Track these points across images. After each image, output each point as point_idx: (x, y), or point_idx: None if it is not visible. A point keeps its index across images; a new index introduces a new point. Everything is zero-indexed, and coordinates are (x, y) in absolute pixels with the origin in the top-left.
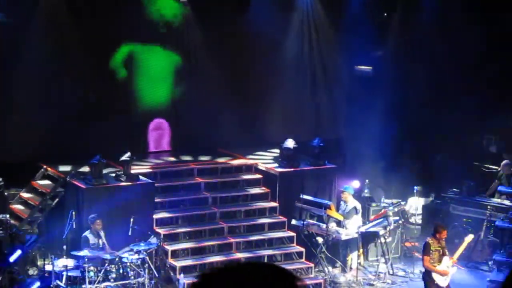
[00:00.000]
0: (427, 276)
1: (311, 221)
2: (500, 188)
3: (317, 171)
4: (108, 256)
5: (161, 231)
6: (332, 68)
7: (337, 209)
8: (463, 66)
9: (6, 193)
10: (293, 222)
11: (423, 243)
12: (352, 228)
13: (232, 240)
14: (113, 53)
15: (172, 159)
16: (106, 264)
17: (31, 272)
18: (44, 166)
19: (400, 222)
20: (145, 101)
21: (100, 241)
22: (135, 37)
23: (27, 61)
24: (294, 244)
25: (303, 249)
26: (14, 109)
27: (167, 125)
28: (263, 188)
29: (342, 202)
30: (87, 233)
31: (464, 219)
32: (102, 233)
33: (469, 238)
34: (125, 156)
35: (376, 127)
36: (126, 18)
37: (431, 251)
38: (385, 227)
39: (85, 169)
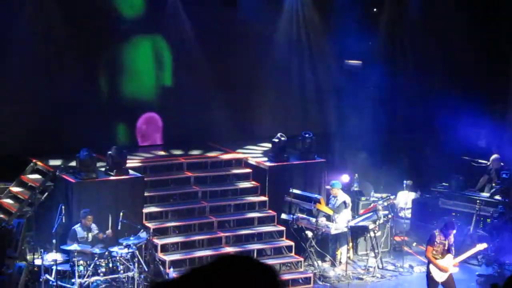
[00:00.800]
0: (427, 267)
1: (300, 215)
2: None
3: (306, 165)
4: (97, 250)
5: (151, 225)
6: (321, 62)
7: (327, 203)
8: (452, 60)
9: None
10: (283, 216)
11: (428, 235)
12: (342, 222)
13: (221, 234)
14: (103, 45)
15: (162, 153)
16: (96, 258)
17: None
18: (34, 160)
19: (389, 216)
20: (135, 95)
21: (90, 235)
22: (124, 29)
23: (16, 54)
24: (284, 238)
25: (292, 243)
26: (3, 102)
27: (159, 119)
28: (253, 182)
29: (331, 197)
30: (76, 227)
31: (453, 213)
32: (93, 226)
33: (482, 246)
34: (115, 150)
35: (365, 121)
36: (116, 9)
37: (435, 242)
38: (374, 221)
39: (75, 163)
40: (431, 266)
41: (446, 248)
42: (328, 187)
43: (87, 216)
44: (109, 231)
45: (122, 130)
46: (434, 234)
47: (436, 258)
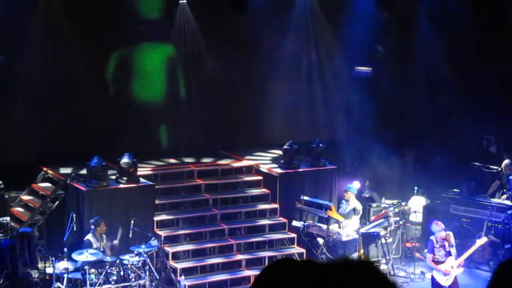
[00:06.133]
0: (432, 274)
1: (311, 222)
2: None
3: (317, 172)
4: (108, 259)
5: (162, 233)
6: (331, 69)
7: (338, 208)
8: (462, 66)
9: (6, 196)
10: (294, 223)
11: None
12: (349, 228)
13: (232, 241)
14: (112, 52)
15: (173, 161)
16: (107, 267)
17: (32, 274)
18: (44, 169)
19: (400, 222)
20: (145, 103)
21: (102, 245)
22: (134, 37)
23: (26, 63)
24: (295, 245)
25: (303, 250)
26: (14, 111)
27: None
28: (264, 189)
29: (343, 201)
30: (89, 237)
31: (464, 219)
32: (105, 237)
33: (482, 240)
34: (126, 158)
35: (376, 128)
36: (124, 17)
37: (435, 248)
38: (385, 228)
39: (86, 171)
40: (434, 272)
41: (448, 249)
42: (346, 188)
43: (100, 223)
44: (116, 242)
45: (164, 134)
46: (432, 240)
47: (442, 262)
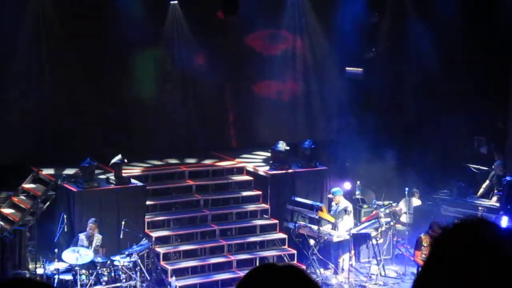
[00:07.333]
0: (417, 272)
1: (302, 223)
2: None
3: (308, 173)
4: (99, 259)
5: (153, 234)
6: (322, 69)
7: (329, 210)
8: (454, 67)
9: None
10: (285, 224)
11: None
12: (343, 229)
13: (224, 242)
14: (103, 54)
15: (164, 161)
16: (98, 267)
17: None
18: (35, 169)
19: (391, 223)
20: (136, 104)
21: (92, 245)
22: (125, 38)
23: (17, 63)
24: (286, 246)
25: (294, 251)
26: (4, 111)
27: None
28: (255, 190)
29: (333, 203)
30: (81, 234)
31: (455, 220)
32: (95, 238)
33: None
34: (116, 159)
35: (366, 129)
36: (115, 19)
37: (423, 246)
38: (376, 229)
39: (76, 172)
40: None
41: None
42: (330, 195)
43: (90, 224)
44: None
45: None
46: (420, 238)
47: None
